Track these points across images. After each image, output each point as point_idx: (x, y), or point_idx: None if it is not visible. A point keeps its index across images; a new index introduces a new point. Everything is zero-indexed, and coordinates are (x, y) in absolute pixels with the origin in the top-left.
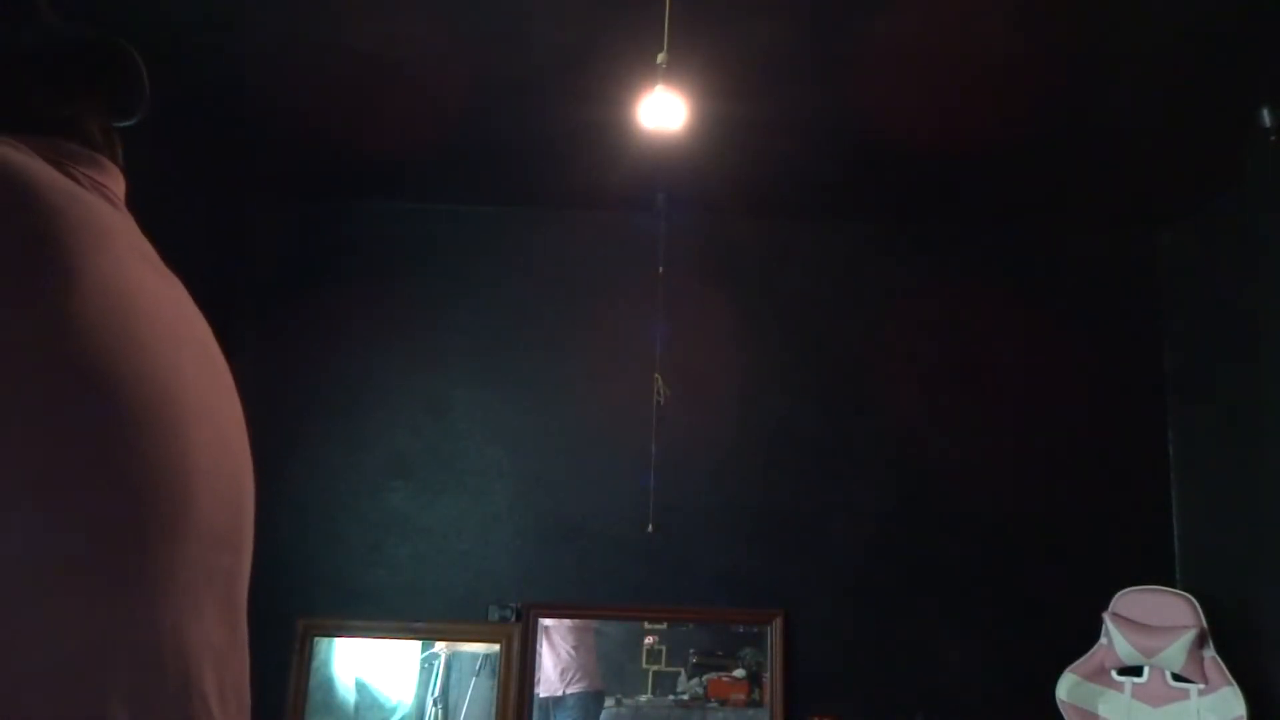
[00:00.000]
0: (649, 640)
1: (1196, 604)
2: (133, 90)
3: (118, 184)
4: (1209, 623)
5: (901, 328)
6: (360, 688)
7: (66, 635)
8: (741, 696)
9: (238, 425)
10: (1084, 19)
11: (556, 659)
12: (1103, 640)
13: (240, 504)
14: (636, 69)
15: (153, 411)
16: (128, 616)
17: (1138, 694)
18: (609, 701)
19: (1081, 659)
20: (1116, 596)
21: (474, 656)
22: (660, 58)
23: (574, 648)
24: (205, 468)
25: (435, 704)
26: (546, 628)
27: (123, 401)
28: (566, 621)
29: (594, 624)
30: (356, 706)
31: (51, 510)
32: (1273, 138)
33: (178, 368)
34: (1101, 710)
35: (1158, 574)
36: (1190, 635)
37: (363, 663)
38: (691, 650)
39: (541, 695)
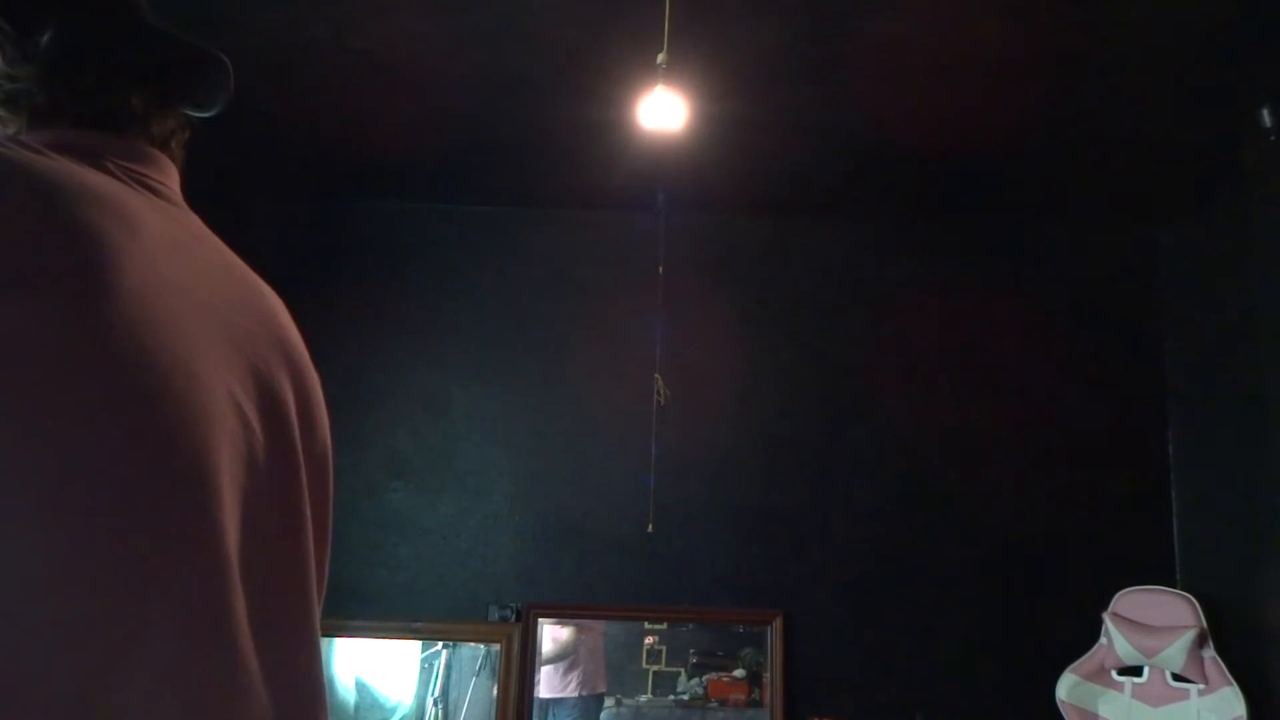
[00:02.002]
0: (649, 640)
1: (1196, 604)
2: (218, 93)
3: (167, 175)
4: (1209, 623)
5: (901, 328)
6: (360, 688)
7: (77, 643)
8: (741, 696)
9: (285, 420)
10: (1084, 18)
11: (568, 666)
12: (1103, 640)
13: (274, 505)
14: (636, 69)
15: (172, 424)
16: (145, 615)
17: (1138, 694)
18: (609, 701)
19: (1081, 659)
20: (1116, 596)
21: (474, 656)
22: (660, 58)
23: (582, 652)
24: (228, 476)
25: (435, 704)
26: (582, 627)
27: (145, 412)
28: (572, 625)
29: (601, 627)
30: (356, 706)
31: (68, 518)
32: (1273, 138)
33: (202, 372)
34: (1101, 710)
35: (1158, 574)
36: (1190, 635)
37: (363, 663)
38: (691, 650)
39: (544, 696)
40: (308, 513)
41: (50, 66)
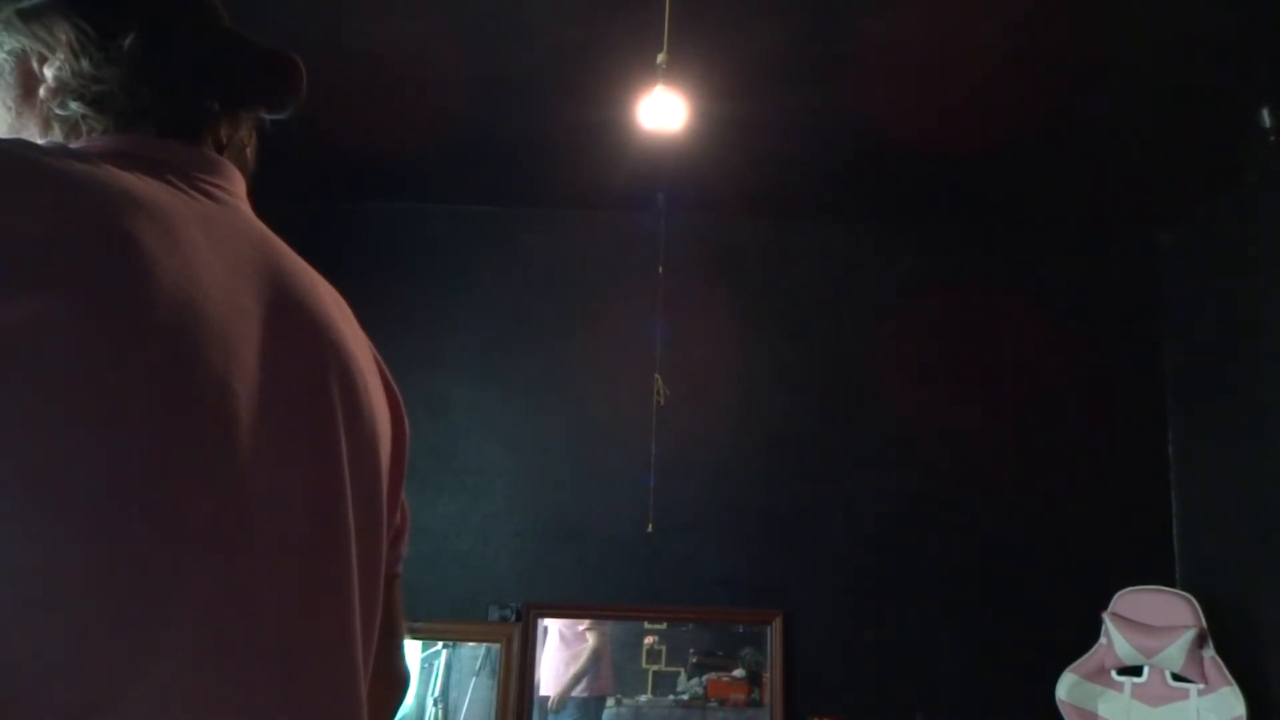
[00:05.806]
0: (649, 640)
1: (1196, 604)
2: (290, 95)
3: (229, 180)
4: (1209, 623)
5: (901, 327)
6: None
7: (84, 654)
8: (741, 696)
9: (327, 432)
10: (1083, 19)
11: (575, 668)
12: (1103, 640)
13: (307, 520)
14: (636, 69)
15: (199, 429)
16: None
17: (1137, 694)
18: (609, 701)
19: (1081, 659)
20: (1116, 596)
21: (474, 656)
22: (660, 58)
23: (589, 654)
24: (256, 485)
25: (435, 704)
26: (581, 631)
27: (170, 415)
28: (580, 627)
29: (606, 629)
30: None
31: (82, 526)
32: (1273, 138)
33: (234, 378)
34: (1101, 710)
35: (1158, 574)
36: (1190, 635)
37: None
38: (691, 650)
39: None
40: (350, 530)
41: (132, 68)
